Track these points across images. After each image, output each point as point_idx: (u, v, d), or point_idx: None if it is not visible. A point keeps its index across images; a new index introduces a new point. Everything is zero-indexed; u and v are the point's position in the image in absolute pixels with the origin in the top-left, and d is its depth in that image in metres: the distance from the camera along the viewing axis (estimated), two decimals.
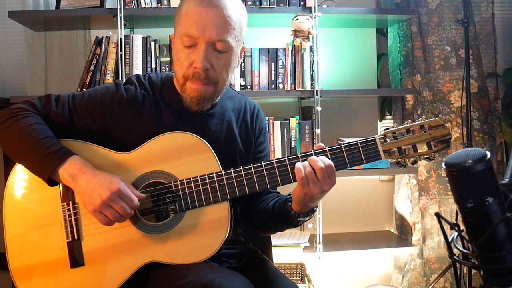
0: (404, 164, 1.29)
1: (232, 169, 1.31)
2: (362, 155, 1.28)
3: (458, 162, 1.06)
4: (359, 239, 2.87)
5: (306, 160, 1.26)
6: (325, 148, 1.29)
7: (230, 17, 1.32)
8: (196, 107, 1.38)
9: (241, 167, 1.31)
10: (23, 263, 1.33)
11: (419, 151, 1.27)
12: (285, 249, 2.57)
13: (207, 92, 1.35)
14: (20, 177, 1.37)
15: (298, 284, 2.46)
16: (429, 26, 2.99)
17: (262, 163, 1.30)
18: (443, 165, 1.10)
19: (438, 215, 1.13)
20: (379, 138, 1.28)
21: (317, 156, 1.27)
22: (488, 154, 1.05)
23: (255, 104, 1.55)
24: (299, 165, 1.25)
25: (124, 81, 1.45)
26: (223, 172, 1.30)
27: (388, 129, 1.30)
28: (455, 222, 1.14)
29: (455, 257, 1.13)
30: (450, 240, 1.14)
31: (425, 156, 1.27)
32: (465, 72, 2.66)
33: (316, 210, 1.36)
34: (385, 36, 3.06)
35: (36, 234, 1.34)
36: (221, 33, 1.31)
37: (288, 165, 1.29)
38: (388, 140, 1.28)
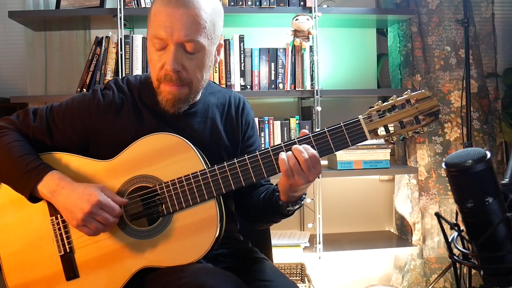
0: (393, 141, 1.25)
1: (216, 165, 1.28)
2: (347, 138, 1.24)
3: (458, 162, 1.06)
4: (359, 239, 2.87)
5: (289, 149, 1.23)
6: (309, 134, 1.26)
7: (199, 16, 1.27)
8: (172, 109, 1.35)
9: (225, 162, 1.28)
10: (20, 281, 1.33)
11: (406, 127, 1.22)
12: (285, 249, 2.57)
13: (181, 94, 1.32)
14: (8, 194, 1.35)
15: (298, 284, 2.46)
16: (429, 26, 2.99)
17: (246, 157, 1.27)
18: (443, 165, 1.10)
19: (438, 215, 1.13)
20: (363, 118, 1.24)
21: (301, 144, 1.23)
22: (488, 154, 1.05)
23: (240, 98, 1.51)
24: (283, 156, 1.22)
25: (102, 87, 1.42)
26: (207, 170, 1.28)
27: (372, 107, 1.25)
28: (455, 222, 1.14)
29: (455, 257, 1.13)
30: (450, 240, 1.14)
31: (414, 131, 1.23)
32: (465, 72, 2.66)
33: (304, 198, 1.33)
34: (385, 36, 3.06)
35: (30, 250, 1.33)
36: (190, 34, 1.27)
37: (272, 156, 1.26)
38: (373, 119, 1.24)
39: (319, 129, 1.27)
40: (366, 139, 1.24)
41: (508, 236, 1.06)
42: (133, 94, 1.40)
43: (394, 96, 1.25)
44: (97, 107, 1.37)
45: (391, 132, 1.23)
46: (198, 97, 1.42)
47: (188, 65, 1.30)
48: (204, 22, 1.28)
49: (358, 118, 1.25)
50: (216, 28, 1.33)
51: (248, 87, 2.61)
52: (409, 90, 1.25)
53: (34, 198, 1.30)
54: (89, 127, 1.37)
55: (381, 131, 1.24)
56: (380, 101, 1.26)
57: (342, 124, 1.25)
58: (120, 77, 1.47)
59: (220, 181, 1.27)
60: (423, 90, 1.23)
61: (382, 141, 1.28)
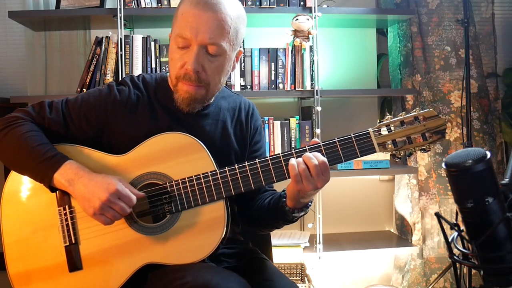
0: (400, 156, 1.29)
1: (227, 167, 1.31)
2: (357, 149, 1.27)
3: (458, 162, 1.06)
4: (359, 239, 2.87)
5: (300, 156, 1.26)
6: (320, 143, 1.28)
7: (225, 21, 1.31)
8: (186, 108, 1.38)
9: (236, 165, 1.30)
10: (22, 269, 1.33)
11: (414, 143, 1.27)
12: (285, 249, 2.57)
13: (198, 94, 1.35)
14: (17, 182, 1.36)
15: (298, 284, 2.46)
16: (429, 26, 2.99)
17: (257, 161, 1.30)
18: (443, 165, 1.10)
19: (438, 215, 1.13)
20: (373, 131, 1.28)
21: (312, 152, 1.26)
22: (488, 154, 1.05)
23: (249, 103, 1.55)
24: (293, 161, 1.25)
25: (117, 83, 1.44)
26: (218, 171, 1.30)
27: (382, 121, 1.29)
28: (455, 222, 1.14)
29: (455, 257, 1.13)
30: (450, 240, 1.14)
31: (421, 148, 1.27)
32: (465, 72, 2.66)
33: (310, 205, 1.36)
34: (385, 36, 3.06)
35: (34, 240, 1.33)
36: (214, 37, 1.30)
37: (282, 161, 1.29)
38: (382, 132, 1.27)
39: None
40: (375, 152, 1.28)
41: (508, 236, 1.06)
42: (149, 92, 1.42)
43: (403, 112, 1.30)
44: (113, 102, 1.39)
45: (399, 146, 1.27)
46: (212, 100, 1.44)
47: (208, 67, 1.33)
48: (229, 28, 1.32)
49: (368, 130, 1.28)
50: (238, 35, 1.37)
51: (248, 87, 2.61)
52: (417, 108, 1.30)
53: (52, 187, 1.30)
54: (104, 121, 1.38)
55: (389, 145, 1.28)
56: (389, 116, 1.30)
57: (352, 135, 1.28)
58: (135, 75, 1.49)
59: (230, 183, 1.30)
60: (431, 109, 1.28)
61: (388, 155, 1.32)
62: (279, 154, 1.29)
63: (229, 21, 1.32)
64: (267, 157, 1.30)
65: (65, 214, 1.33)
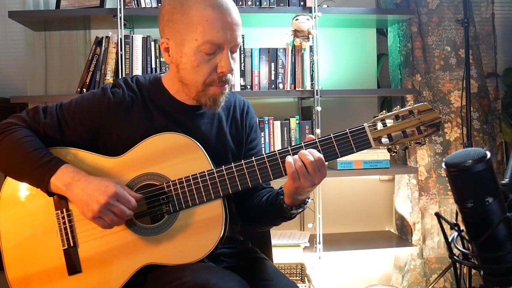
0: (395, 150, 1.29)
1: (223, 166, 1.31)
2: (352, 144, 1.28)
3: (458, 162, 1.06)
4: (359, 239, 2.87)
5: (296, 153, 1.26)
6: (315, 139, 1.29)
7: (240, 20, 1.35)
8: (217, 108, 1.38)
9: (232, 163, 1.30)
10: (21, 273, 1.33)
11: (409, 137, 1.27)
12: (285, 249, 2.57)
13: (227, 91, 1.39)
14: (14, 187, 1.36)
15: (298, 284, 2.46)
16: (429, 26, 2.99)
17: (253, 159, 1.30)
18: (443, 165, 1.10)
19: (438, 215, 1.13)
20: (368, 126, 1.28)
21: (307, 149, 1.26)
22: (488, 154, 1.05)
23: (244, 101, 1.55)
24: (289, 159, 1.25)
25: (111, 85, 1.44)
26: (214, 170, 1.30)
27: (377, 116, 1.30)
28: (455, 222, 1.14)
29: (455, 257, 1.13)
30: (450, 240, 1.14)
31: (416, 141, 1.28)
32: (465, 72, 2.66)
33: (308, 202, 1.36)
34: (385, 36, 3.06)
35: (32, 244, 1.33)
36: (239, 36, 1.35)
37: (279, 159, 1.29)
38: (377, 127, 1.28)
39: (319, 135, 1.28)
40: (371, 147, 1.28)
41: (508, 236, 1.06)
42: (143, 93, 1.42)
43: (398, 107, 1.30)
44: (107, 104, 1.38)
45: (394, 140, 1.28)
46: None
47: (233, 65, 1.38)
48: (241, 26, 1.36)
49: (363, 125, 1.28)
50: None
51: (248, 87, 2.61)
52: (411, 102, 1.28)
53: (50, 192, 1.30)
54: (99, 124, 1.38)
55: (385, 139, 1.28)
56: (384, 111, 1.31)
57: (348, 130, 1.28)
58: (129, 76, 1.49)
59: (227, 182, 1.29)
60: (425, 103, 1.28)
61: (385, 149, 1.32)
62: (275, 151, 1.29)
63: (240, 20, 1.36)
64: (263, 155, 1.30)
65: (63, 218, 1.33)
